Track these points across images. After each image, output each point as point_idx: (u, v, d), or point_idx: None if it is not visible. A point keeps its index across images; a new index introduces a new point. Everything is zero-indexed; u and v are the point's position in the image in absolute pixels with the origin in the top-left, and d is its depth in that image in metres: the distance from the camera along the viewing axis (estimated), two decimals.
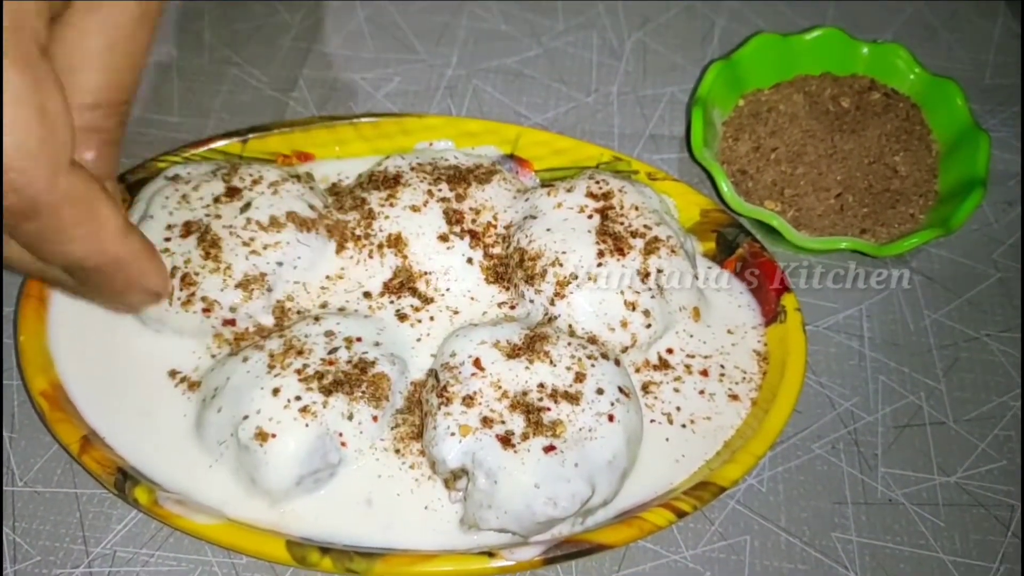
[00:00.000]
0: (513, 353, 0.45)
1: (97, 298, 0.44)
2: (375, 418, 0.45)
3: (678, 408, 0.48)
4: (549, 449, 0.42)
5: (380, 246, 0.51)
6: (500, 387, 0.44)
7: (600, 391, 0.44)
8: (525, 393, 0.43)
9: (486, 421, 0.42)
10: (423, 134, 0.58)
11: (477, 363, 0.44)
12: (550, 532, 0.43)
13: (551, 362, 0.45)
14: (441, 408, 0.43)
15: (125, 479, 0.43)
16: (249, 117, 0.63)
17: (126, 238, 0.37)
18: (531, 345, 0.45)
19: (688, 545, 0.46)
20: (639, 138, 0.64)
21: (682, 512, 0.43)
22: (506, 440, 0.42)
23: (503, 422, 0.42)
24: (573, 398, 0.43)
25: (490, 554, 0.41)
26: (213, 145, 0.56)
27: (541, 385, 0.44)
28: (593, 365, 0.45)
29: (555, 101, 0.66)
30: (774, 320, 0.51)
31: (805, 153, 0.57)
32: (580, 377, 0.44)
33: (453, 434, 0.42)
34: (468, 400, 0.43)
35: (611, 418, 0.43)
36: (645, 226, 0.50)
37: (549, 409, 0.43)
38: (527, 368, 0.44)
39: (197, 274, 0.47)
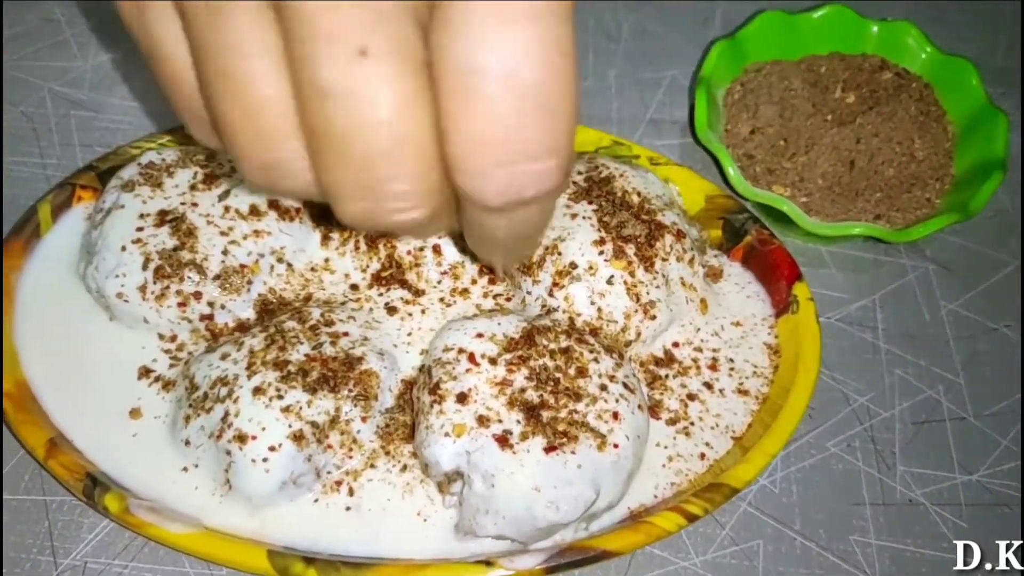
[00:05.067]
0: (510, 347, 0.42)
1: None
2: (363, 418, 0.42)
3: (685, 405, 0.45)
4: (550, 449, 0.39)
5: (368, 235, 0.48)
6: (496, 383, 0.41)
7: (603, 387, 0.41)
8: (523, 390, 0.41)
9: (482, 420, 0.40)
10: None
11: (472, 358, 0.42)
12: (552, 538, 0.40)
13: (550, 356, 0.42)
14: (434, 407, 0.40)
15: (95, 485, 0.40)
16: None
17: None
18: (529, 339, 0.42)
19: (698, 551, 0.43)
20: (639, 123, 0.61)
21: (692, 515, 0.40)
22: (504, 440, 0.39)
23: (500, 421, 0.40)
24: (575, 395, 0.41)
25: (488, 563, 0.39)
26: None
27: (540, 381, 0.41)
28: (595, 360, 0.42)
29: None
30: (785, 311, 0.48)
31: (814, 136, 0.55)
32: (582, 372, 0.42)
33: (447, 434, 0.39)
34: (462, 398, 0.40)
35: (615, 416, 0.40)
36: (648, 212, 0.47)
37: (549, 407, 0.40)
38: (525, 363, 0.41)
39: (172, 266, 0.44)
